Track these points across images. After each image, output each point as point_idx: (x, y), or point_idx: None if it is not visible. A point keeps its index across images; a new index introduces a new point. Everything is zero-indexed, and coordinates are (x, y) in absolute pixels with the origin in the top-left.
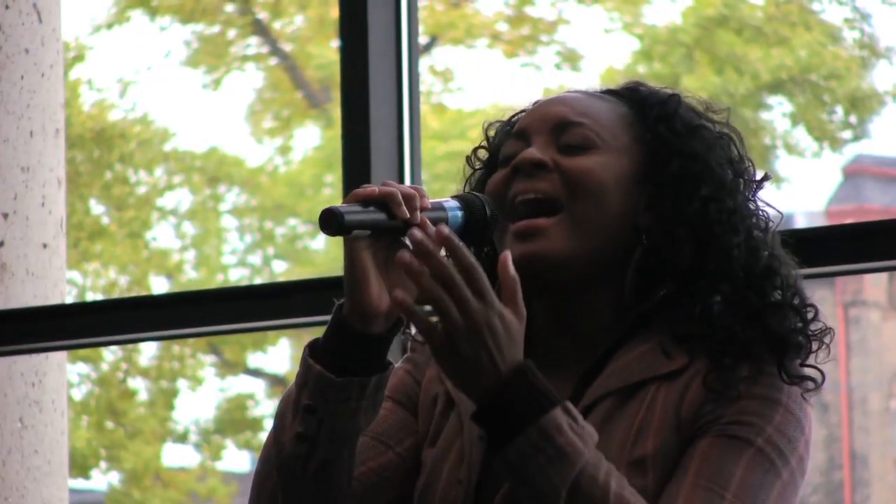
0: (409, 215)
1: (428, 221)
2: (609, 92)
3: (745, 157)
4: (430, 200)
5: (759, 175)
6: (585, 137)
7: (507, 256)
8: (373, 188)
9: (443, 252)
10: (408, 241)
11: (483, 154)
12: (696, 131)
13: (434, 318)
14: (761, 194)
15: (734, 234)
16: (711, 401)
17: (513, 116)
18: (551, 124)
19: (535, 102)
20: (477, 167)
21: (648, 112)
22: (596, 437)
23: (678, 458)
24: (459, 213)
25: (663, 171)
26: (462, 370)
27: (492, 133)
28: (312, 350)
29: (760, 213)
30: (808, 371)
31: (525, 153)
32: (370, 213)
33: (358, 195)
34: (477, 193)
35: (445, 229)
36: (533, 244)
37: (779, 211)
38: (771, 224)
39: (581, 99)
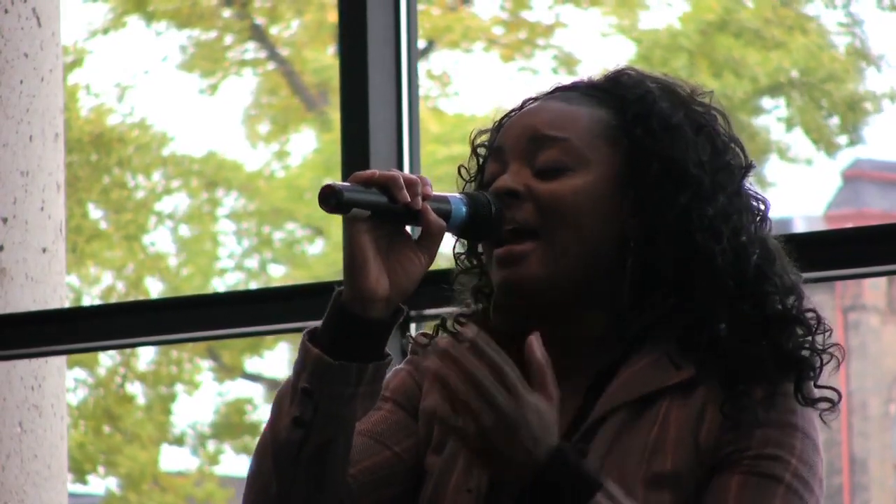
0: (410, 200)
1: (429, 209)
2: (590, 87)
3: (732, 140)
4: (435, 193)
5: (746, 159)
6: (560, 157)
7: (534, 340)
8: (374, 171)
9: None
10: (409, 230)
11: (473, 164)
12: (675, 130)
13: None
14: (751, 183)
15: (717, 242)
16: (731, 429)
17: (499, 121)
18: (525, 141)
19: (521, 104)
20: (468, 179)
21: (626, 111)
22: None
23: (697, 483)
24: (464, 209)
25: (643, 176)
26: (501, 466)
27: (480, 140)
28: (311, 336)
29: (748, 204)
30: (823, 392)
31: (498, 182)
32: (371, 194)
33: (359, 177)
34: (484, 192)
35: (470, 331)
36: (511, 270)
37: (767, 199)
38: (761, 212)
39: (557, 109)
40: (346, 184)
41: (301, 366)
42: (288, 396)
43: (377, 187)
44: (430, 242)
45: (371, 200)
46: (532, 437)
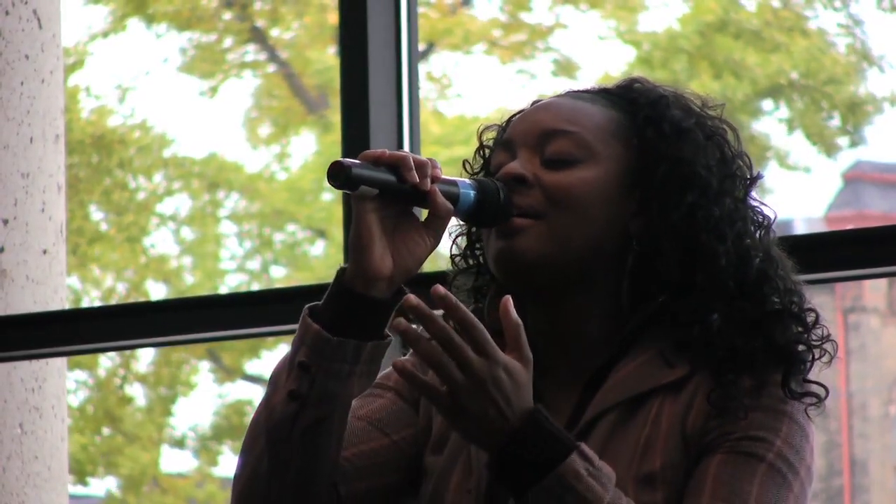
0: (418, 180)
1: (437, 190)
2: (603, 91)
3: (740, 154)
4: (445, 176)
5: (753, 173)
6: (569, 150)
7: (509, 301)
8: (384, 150)
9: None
10: (415, 211)
11: (479, 159)
12: (685, 134)
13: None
14: (756, 194)
15: (721, 242)
16: (717, 416)
17: (509, 120)
18: (536, 134)
19: (532, 103)
20: (473, 172)
21: (637, 114)
22: (613, 477)
23: (685, 473)
24: (472, 193)
25: (651, 176)
26: (472, 427)
27: (487, 137)
28: (312, 312)
29: (753, 214)
30: (811, 387)
31: (507, 168)
32: (379, 172)
33: (368, 155)
34: (494, 179)
35: (441, 289)
36: (509, 241)
37: (773, 210)
38: (766, 222)
39: (569, 105)
40: (355, 161)
41: (300, 341)
42: (285, 371)
43: (386, 166)
44: (436, 225)
45: (379, 178)
46: (504, 397)
